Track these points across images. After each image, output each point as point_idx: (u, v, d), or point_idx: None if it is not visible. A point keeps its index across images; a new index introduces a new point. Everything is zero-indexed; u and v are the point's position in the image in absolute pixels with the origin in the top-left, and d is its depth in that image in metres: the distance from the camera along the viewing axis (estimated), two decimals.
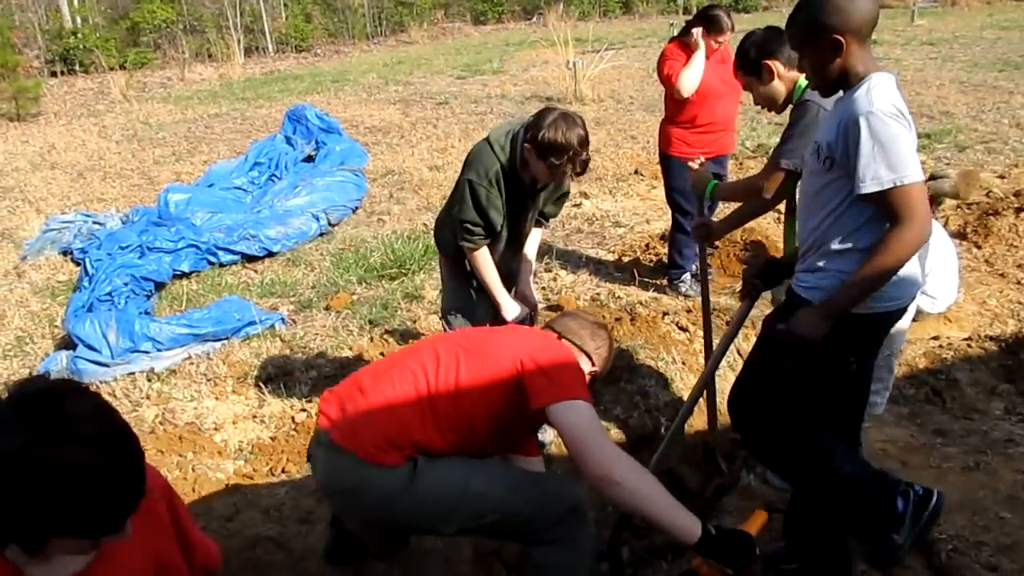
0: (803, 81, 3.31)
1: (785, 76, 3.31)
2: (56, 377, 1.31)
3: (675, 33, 5.55)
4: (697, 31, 5.01)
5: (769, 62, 3.28)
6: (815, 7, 2.35)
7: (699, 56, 5.00)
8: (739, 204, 3.71)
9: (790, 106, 3.40)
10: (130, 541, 1.42)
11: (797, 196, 2.64)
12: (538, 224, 3.80)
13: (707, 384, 3.32)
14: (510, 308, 3.56)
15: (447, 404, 2.42)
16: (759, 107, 3.53)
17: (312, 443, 2.56)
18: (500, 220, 3.45)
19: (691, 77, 5.02)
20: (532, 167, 3.31)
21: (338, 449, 2.39)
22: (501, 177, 3.38)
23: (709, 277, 5.80)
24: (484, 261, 3.52)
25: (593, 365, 2.72)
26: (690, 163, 3.70)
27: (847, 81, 2.39)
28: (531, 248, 3.83)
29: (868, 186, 2.24)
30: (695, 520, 2.22)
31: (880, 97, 2.27)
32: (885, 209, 2.28)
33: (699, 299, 5.32)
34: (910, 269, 2.43)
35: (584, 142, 3.23)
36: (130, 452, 1.32)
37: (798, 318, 2.45)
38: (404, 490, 2.36)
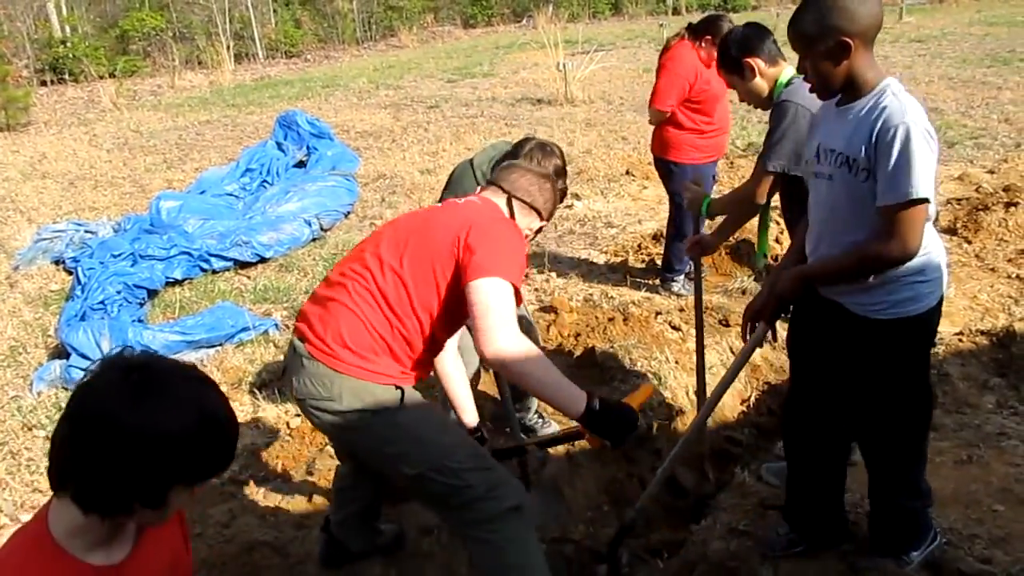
0: (783, 78, 3.36)
1: (767, 73, 3.35)
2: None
3: (665, 35, 5.56)
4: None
5: (750, 60, 3.32)
6: (821, 8, 2.31)
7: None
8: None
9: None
10: (159, 536, 1.57)
11: (810, 206, 2.61)
12: None
13: (702, 420, 3.32)
14: None
15: (397, 296, 2.45)
16: (747, 104, 3.55)
17: (289, 353, 2.61)
18: None
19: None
20: None
21: (313, 360, 2.47)
22: None
23: (701, 276, 5.84)
24: None
25: (542, 220, 2.75)
26: (685, 183, 3.73)
27: (854, 86, 2.37)
28: None
29: (885, 196, 2.23)
30: (580, 396, 2.33)
31: (914, 110, 2.25)
32: (884, 218, 2.27)
33: (691, 298, 5.35)
34: (934, 272, 2.45)
35: (561, 172, 3.31)
36: (225, 401, 1.46)
37: (780, 281, 2.58)
38: (387, 411, 2.44)
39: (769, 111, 3.50)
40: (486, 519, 2.49)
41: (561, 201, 3.41)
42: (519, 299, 2.39)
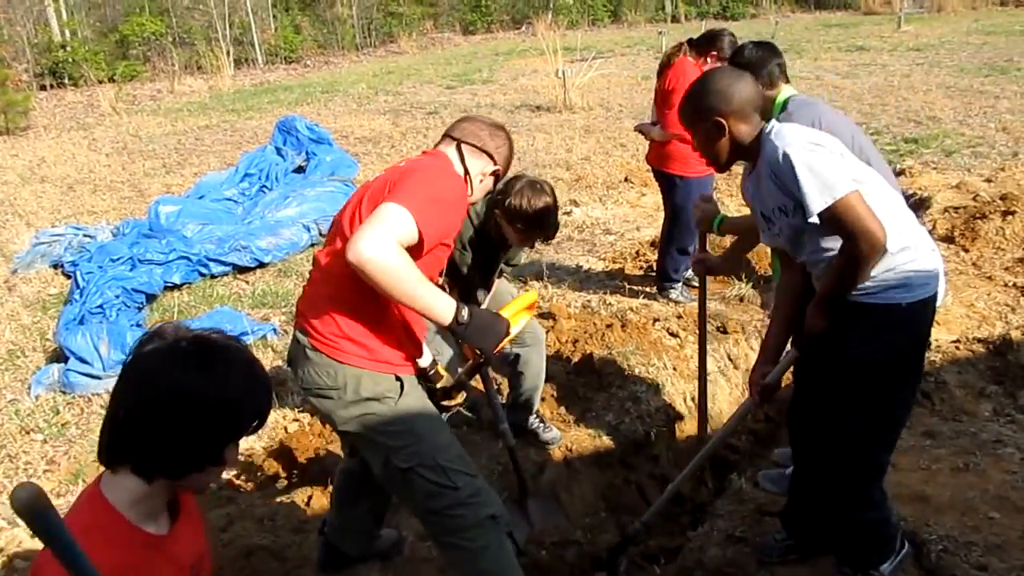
0: (780, 98, 3.41)
1: (762, 94, 3.36)
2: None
3: (664, 43, 5.57)
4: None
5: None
6: (697, 93, 2.56)
7: None
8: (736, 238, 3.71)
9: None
10: (190, 518, 1.68)
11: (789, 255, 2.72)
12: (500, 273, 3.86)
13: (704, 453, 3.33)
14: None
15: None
16: None
17: (292, 343, 2.65)
18: (465, 273, 3.60)
19: None
20: (504, 231, 3.44)
21: (316, 351, 2.51)
22: (475, 240, 3.53)
23: (706, 290, 5.84)
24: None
25: (495, 164, 2.74)
26: (696, 197, 3.71)
27: (746, 154, 2.58)
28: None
29: (814, 208, 2.33)
30: (449, 306, 2.35)
31: (789, 136, 2.41)
32: (833, 228, 2.38)
33: (689, 305, 5.37)
34: (921, 264, 2.51)
35: (551, 209, 3.36)
36: (256, 358, 1.60)
37: (805, 321, 2.63)
38: (388, 400, 2.49)
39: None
40: (464, 526, 2.52)
41: (550, 238, 3.49)
42: (423, 247, 2.32)
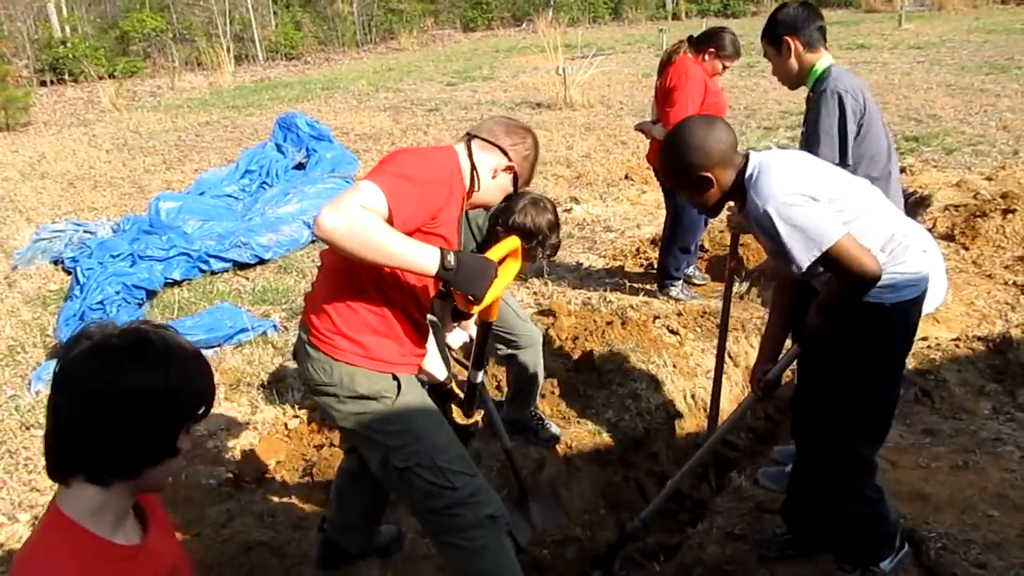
0: (820, 66, 3.38)
1: (803, 56, 3.38)
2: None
3: (665, 40, 5.58)
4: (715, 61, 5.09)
5: (790, 39, 3.35)
6: (676, 152, 2.54)
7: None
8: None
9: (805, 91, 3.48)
10: (160, 525, 1.64)
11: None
12: None
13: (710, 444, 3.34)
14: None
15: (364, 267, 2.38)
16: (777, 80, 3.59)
17: (297, 340, 2.64)
18: None
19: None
20: None
21: (316, 349, 2.50)
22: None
23: (703, 282, 5.86)
24: None
25: (509, 160, 2.62)
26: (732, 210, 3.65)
27: (734, 197, 2.57)
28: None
29: (803, 264, 2.37)
30: (431, 252, 2.24)
31: (776, 184, 2.39)
32: (826, 266, 2.42)
33: (689, 302, 5.38)
34: (910, 267, 2.54)
35: (553, 226, 3.38)
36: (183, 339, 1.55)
37: (808, 318, 2.65)
38: (385, 399, 2.48)
39: (794, 90, 3.60)
40: (463, 526, 2.51)
41: (551, 256, 3.49)
42: (395, 226, 2.24)
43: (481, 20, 29.12)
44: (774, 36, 3.42)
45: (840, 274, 2.42)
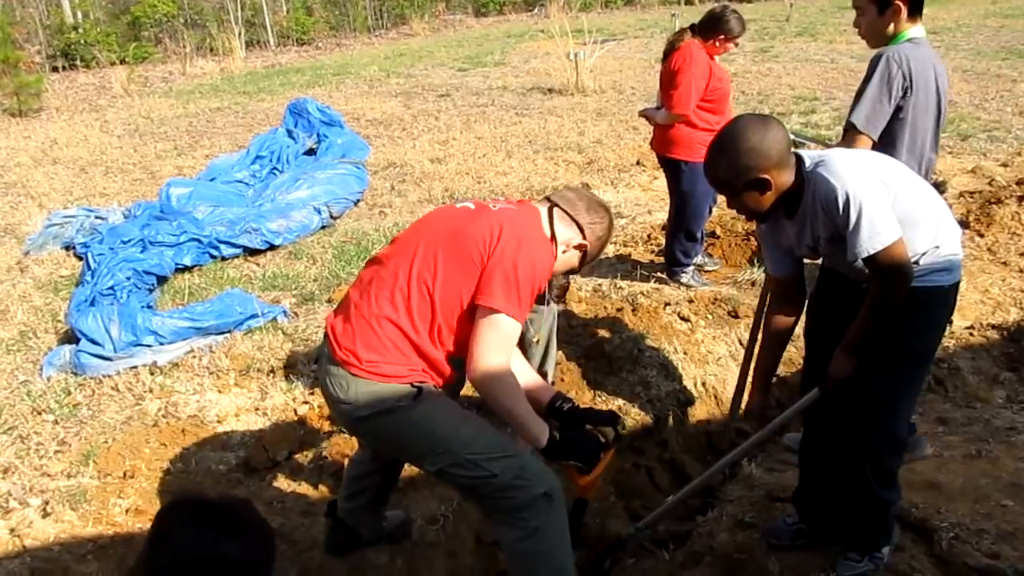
0: (907, 34, 3.19)
1: (902, 22, 3.18)
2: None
3: (677, 25, 5.54)
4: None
5: (900, 3, 3.13)
6: (731, 154, 2.45)
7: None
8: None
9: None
10: None
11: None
12: None
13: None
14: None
15: (421, 310, 2.48)
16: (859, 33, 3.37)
17: (319, 350, 2.68)
18: None
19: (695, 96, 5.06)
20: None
21: (334, 362, 2.52)
22: None
23: (715, 268, 5.83)
24: None
25: (583, 238, 2.66)
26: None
27: (788, 202, 2.52)
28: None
29: (864, 252, 2.38)
30: (542, 430, 2.53)
31: (843, 170, 2.39)
32: (870, 267, 2.43)
33: (700, 289, 5.35)
34: (956, 248, 2.59)
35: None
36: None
37: (832, 365, 2.65)
38: (401, 410, 2.47)
39: (873, 49, 3.35)
40: (515, 507, 2.51)
41: (560, 297, 3.46)
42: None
43: (493, 5, 28.96)
44: None
45: (884, 278, 2.44)
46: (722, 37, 5.02)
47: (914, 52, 3.14)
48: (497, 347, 2.40)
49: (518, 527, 2.52)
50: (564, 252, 2.66)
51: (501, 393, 2.45)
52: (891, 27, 3.19)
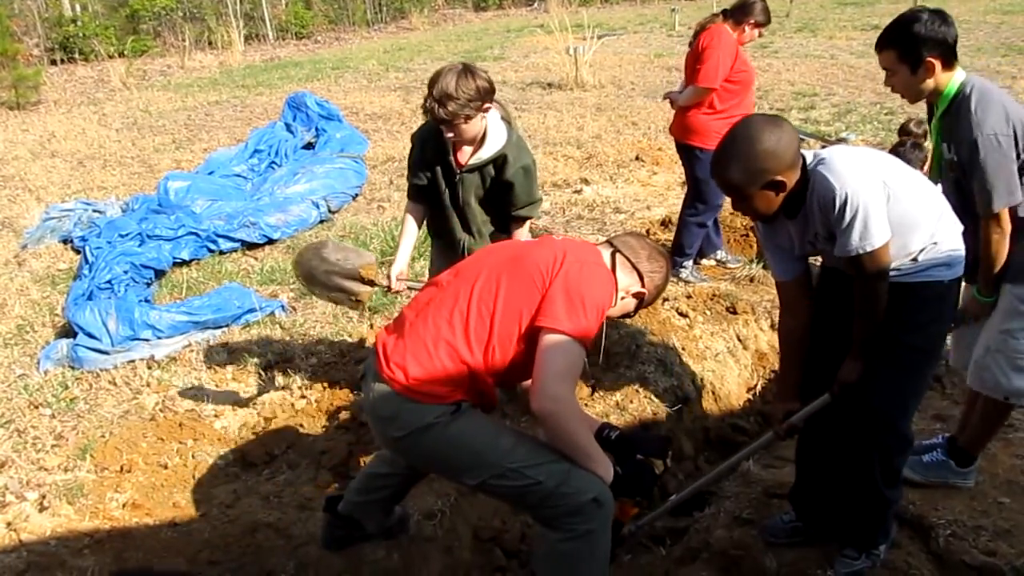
0: (954, 85, 2.93)
1: (940, 76, 2.92)
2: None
3: (677, 20, 5.56)
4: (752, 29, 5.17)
5: (933, 60, 2.88)
6: (743, 158, 2.41)
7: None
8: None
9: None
10: None
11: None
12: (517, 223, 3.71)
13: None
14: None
15: (479, 336, 2.45)
16: (891, 91, 3.13)
17: (366, 365, 2.66)
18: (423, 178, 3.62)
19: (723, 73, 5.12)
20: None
21: (380, 379, 2.48)
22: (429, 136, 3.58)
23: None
24: None
25: (642, 286, 2.67)
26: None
27: (794, 201, 2.51)
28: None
29: (853, 251, 2.44)
30: (608, 467, 2.52)
31: (843, 169, 2.41)
32: (855, 266, 2.48)
33: (699, 285, 5.34)
34: (959, 243, 2.61)
35: (433, 83, 3.23)
36: None
37: (842, 370, 2.68)
38: (438, 426, 2.43)
39: (913, 103, 3.13)
40: (566, 513, 2.46)
41: (448, 120, 3.26)
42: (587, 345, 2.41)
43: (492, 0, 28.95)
44: (914, 55, 2.89)
45: (865, 277, 2.50)
46: (752, 23, 5.13)
47: (994, 95, 2.89)
48: (564, 375, 2.33)
49: (571, 531, 2.48)
50: (623, 299, 2.66)
51: (568, 426, 2.39)
52: (930, 82, 2.93)
